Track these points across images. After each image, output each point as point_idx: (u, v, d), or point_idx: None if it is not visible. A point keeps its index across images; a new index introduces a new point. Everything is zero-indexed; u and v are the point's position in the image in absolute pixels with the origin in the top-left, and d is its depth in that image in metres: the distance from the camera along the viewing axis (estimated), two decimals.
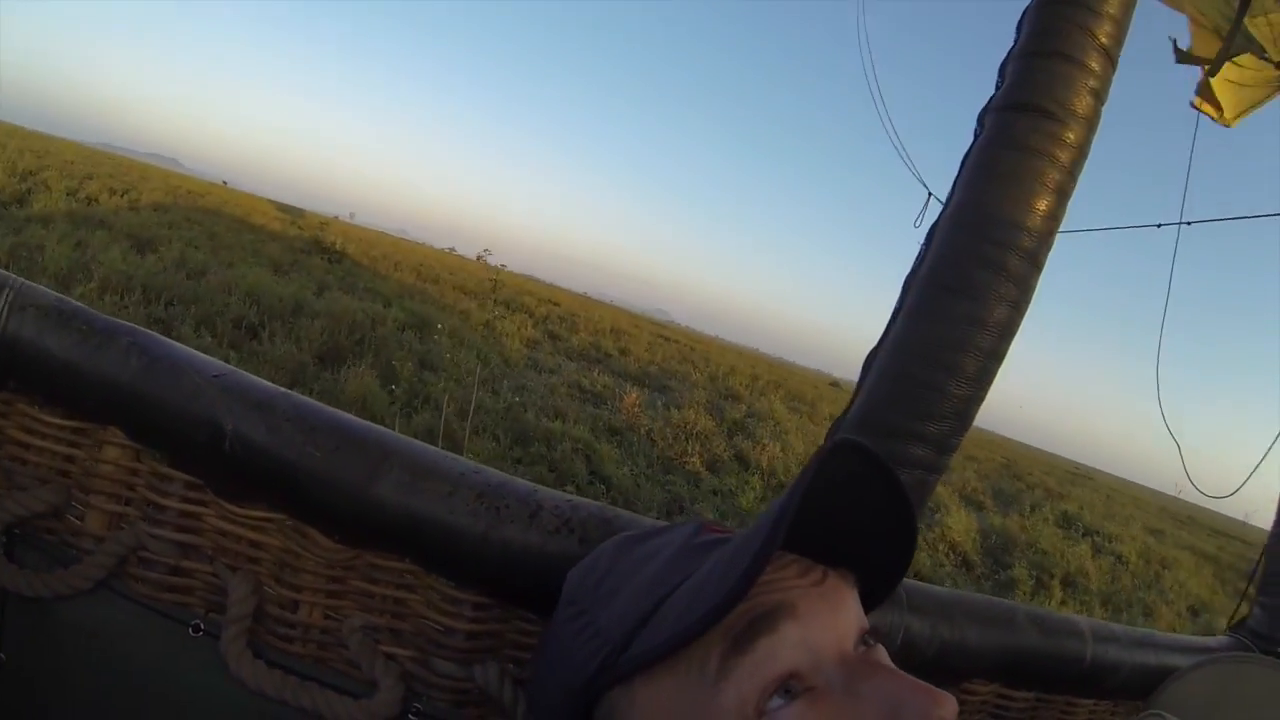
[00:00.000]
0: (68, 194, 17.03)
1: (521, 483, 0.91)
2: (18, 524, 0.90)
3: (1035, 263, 0.94)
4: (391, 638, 0.91)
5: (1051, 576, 10.68)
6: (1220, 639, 1.50)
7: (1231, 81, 2.80)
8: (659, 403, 13.97)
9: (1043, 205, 0.93)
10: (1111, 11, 0.95)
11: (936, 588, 1.08)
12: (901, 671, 0.60)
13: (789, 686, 0.57)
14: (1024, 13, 1.00)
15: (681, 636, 0.56)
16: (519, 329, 17.49)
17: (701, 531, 0.71)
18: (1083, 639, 1.20)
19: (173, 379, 0.87)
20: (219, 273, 12.23)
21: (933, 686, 0.56)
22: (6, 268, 7.21)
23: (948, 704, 0.55)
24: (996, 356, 0.93)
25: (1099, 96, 0.96)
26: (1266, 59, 2.65)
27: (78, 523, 0.92)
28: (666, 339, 31.41)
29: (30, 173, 18.73)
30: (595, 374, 14.90)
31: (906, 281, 0.98)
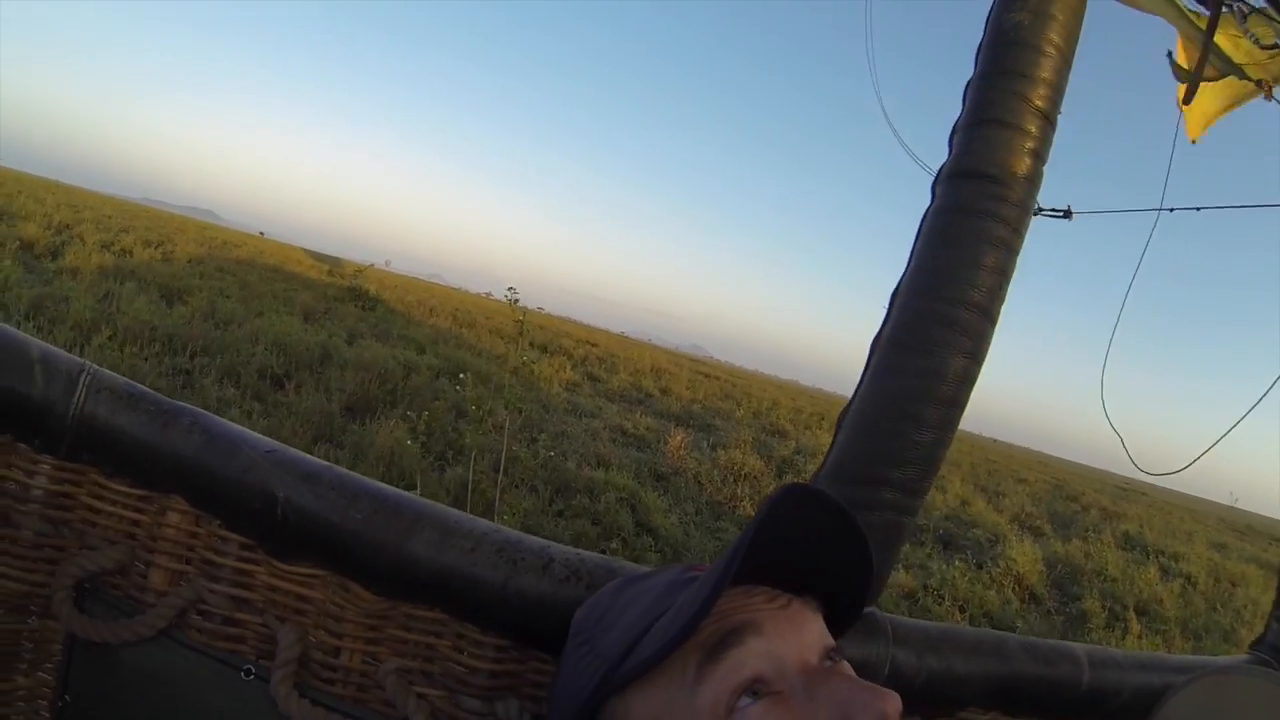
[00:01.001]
0: (102, 247, 16.71)
1: (535, 539, 1.00)
2: (87, 579, 1.00)
3: (988, 315, 1.02)
4: (423, 679, 0.99)
5: (1125, 607, 9.93)
6: (1239, 657, 1.52)
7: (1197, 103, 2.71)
8: (704, 443, 13.33)
9: (990, 262, 1.01)
10: (1046, 76, 1.04)
11: (923, 622, 1.13)
12: (856, 677, 0.69)
13: (755, 689, 0.66)
14: (967, 85, 1.09)
15: (660, 652, 0.65)
16: (557, 372, 16.87)
17: (687, 571, 0.80)
18: (1078, 664, 1.23)
19: (230, 454, 0.97)
20: (247, 322, 11.78)
21: (879, 687, 0.65)
22: (29, 318, 6.64)
23: (892, 701, 0.63)
24: (957, 404, 1.01)
25: (1039, 156, 1.05)
26: (1247, 79, 2.58)
27: (142, 579, 1.01)
28: (706, 375, 30.81)
29: (66, 226, 18.55)
30: (637, 415, 14.33)
31: (873, 342, 1.07)
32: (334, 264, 31.05)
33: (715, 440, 13.99)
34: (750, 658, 0.67)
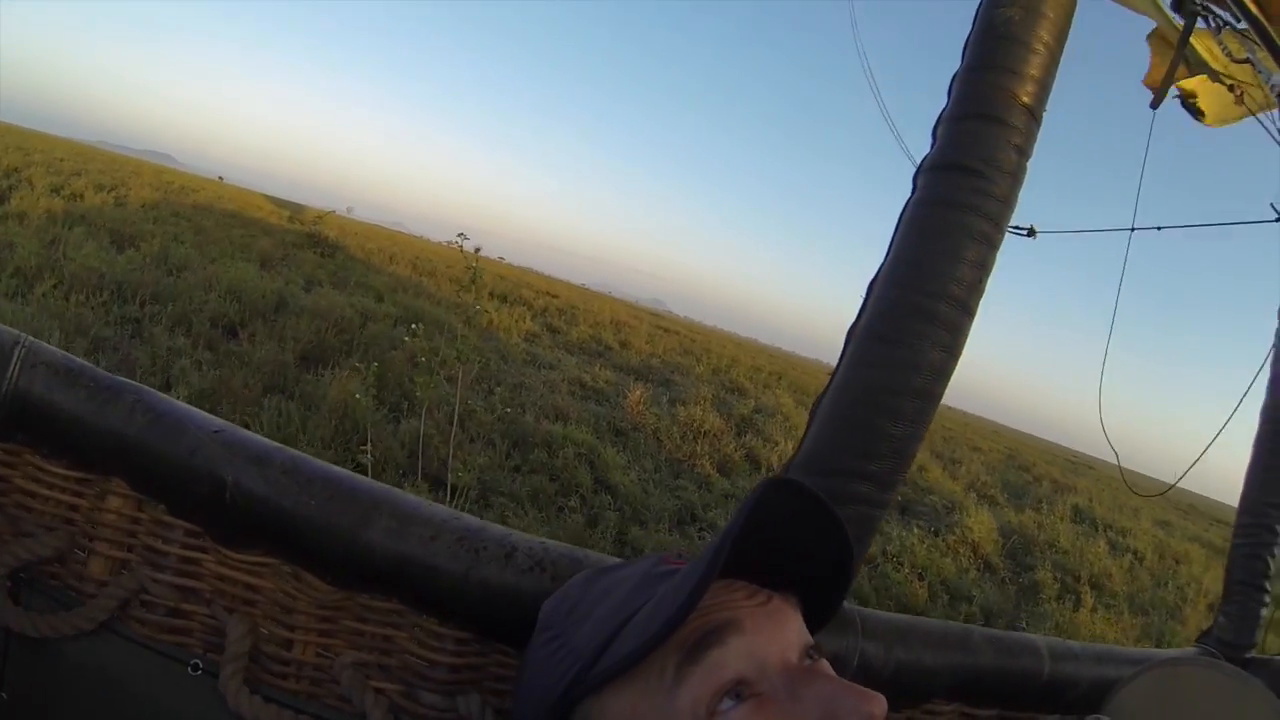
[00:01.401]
0: (51, 191, 15.96)
1: (497, 527, 0.97)
2: (23, 568, 0.94)
3: (966, 309, 1.01)
4: (380, 673, 0.96)
5: (1076, 579, 10.18)
6: (1186, 650, 1.56)
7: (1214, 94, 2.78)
8: (664, 399, 13.26)
9: (970, 255, 1.00)
10: (1033, 73, 1.03)
11: (892, 614, 1.13)
12: (838, 677, 0.68)
13: (738, 691, 0.65)
14: (953, 78, 1.08)
15: (639, 650, 0.63)
16: (517, 322, 16.74)
17: (661, 563, 0.77)
18: (1039, 656, 1.24)
19: (176, 434, 0.92)
20: (201, 269, 11.43)
21: (863, 688, 0.64)
22: None
23: (878, 703, 0.62)
24: (932, 397, 1.00)
25: (1023, 151, 1.04)
26: (1220, 82, 2.69)
27: (81, 568, 0.96)
28: (666, 330, 30.64)
29: (14, 170, 17.68)
30: (597, 369, 14.23)
31: (849, 332, 1.06)
32: (295, 210, 30.34)
33: (674, 395, 13.96)
34: (732, 658, 0.65)
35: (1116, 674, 1.28)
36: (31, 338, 0.96)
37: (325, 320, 10.17)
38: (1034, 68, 1.03)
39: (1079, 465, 39.30)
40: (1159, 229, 3.18)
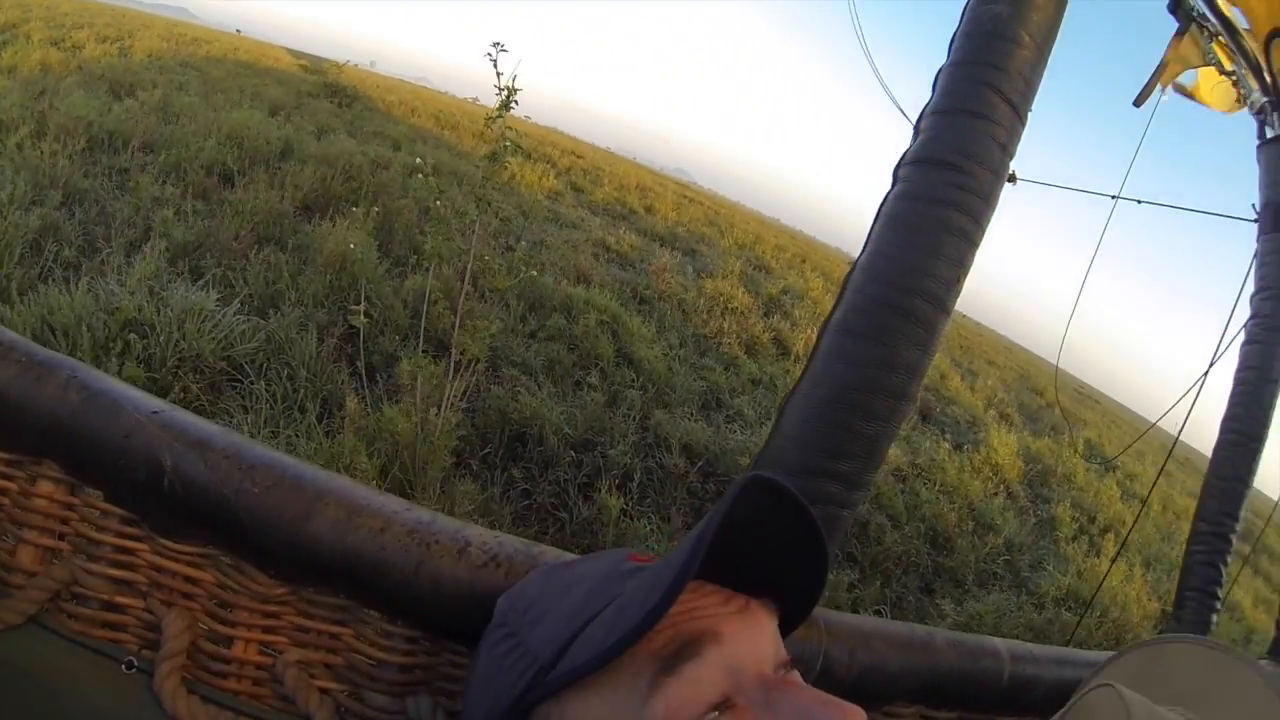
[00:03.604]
0: (50, 44, 14.10)
1: (450, 520, 0.92)
2: None
3: (943, 307, 1.00)
4: (326, 672, 0.91)
5: (1091, 520, 9.64)
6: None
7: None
8: (689, 269, 12.33)
9: (950, 252, 0.99)
10: (1019, 70, 1.03)
11: (855, 616, 1.11)
12: (813, 688, 0.65)
13: (718, 706, 0.61)
14: (938, 72, 1.08)
15: (605, 656, 0.59)
16: (540, 179, 15.58)
17: (626, 559, 0.74)
18: (1000, 659, 1.22)
19: (111, 415, 0.86)
20: (202, 116, 10.24)
21: (842, 700, 0.62)
22: None
23: (856, 715, 0.60)
24: (906, 396, 0.99)
25: (1006, 149, 1.03)
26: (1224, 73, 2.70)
27: (8, 558, 0.89)
28: (690, 199, 29.36)
29: (10, 25, 16.18)
30: (621, 232, 13.22)
31: (822, 326, 1.05)
32: (315, 63, 28.82)
33: (700, 266, 13.03)
34: (709, 671, 0.62)
35: (1075, 676, 1.28)
36: None
37: (332, 167, 9.17)
38: (1020, 64, 1.03)
39: (1086, 397, 38.40)
40: (1139, 202, 3.37)
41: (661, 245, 13.67)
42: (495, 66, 4.44)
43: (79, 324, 4.29)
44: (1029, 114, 1.05)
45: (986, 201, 1.01)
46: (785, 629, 0.74)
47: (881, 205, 1.05)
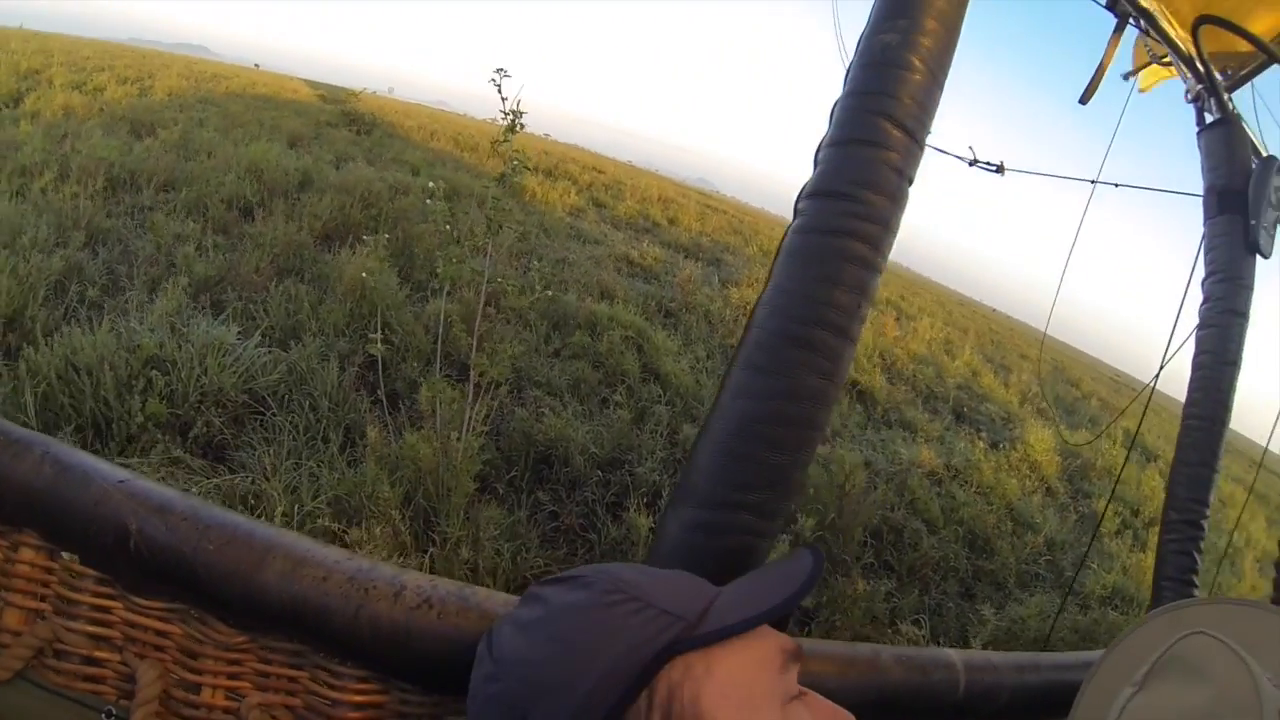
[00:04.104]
0: (72, 88, 14.13)
1: (388, 567, 0.96)
2: None
3: (845, 334, 1.02)
4: (287, 713, 0.96)
5: (1135, 513, 9.22)
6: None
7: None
8: (715, 279, 12.18)
9: (850, 281, 1.01)
10: (912, 95, 1.04)
11: (794, 639, 1.01)
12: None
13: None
14: (834, 105, 1.09)
15: (757, 619, 0.73)
16: (561, 196, 15.54)
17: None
18: (954, 670, 1.23)
19: (82, 486, 0.92)
20: (221, 151, 10.23)
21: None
22: None
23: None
24: (813, 425, 1.01)
25: (903, 175, 1.04)
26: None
27: None
28: (713, 209, 29.19)
29: (34, 71, 16.18)
30: (644, 245, 13.06)
31: (730, 359, 1.07)
32: (332, 92, 28.94)
33: (725, 276, 12.86)
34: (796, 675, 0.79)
35: (1039, 681, 1.35)
36: None
37: (351, 195, 9.14)
38: (913, 91, 1.03)
39: (1121, 385, 37.70)
40: (1116, 185, 3.35)
41: (685, 256, 13.57)
42: (500, 92, 4.41)
43: (101, 363, 4.25)
44: (927, 136, 1.07)
45: (886, 227, 1.03)
46: None
47: (783, 240, 1.07)
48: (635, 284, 10.16)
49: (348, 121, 18.16)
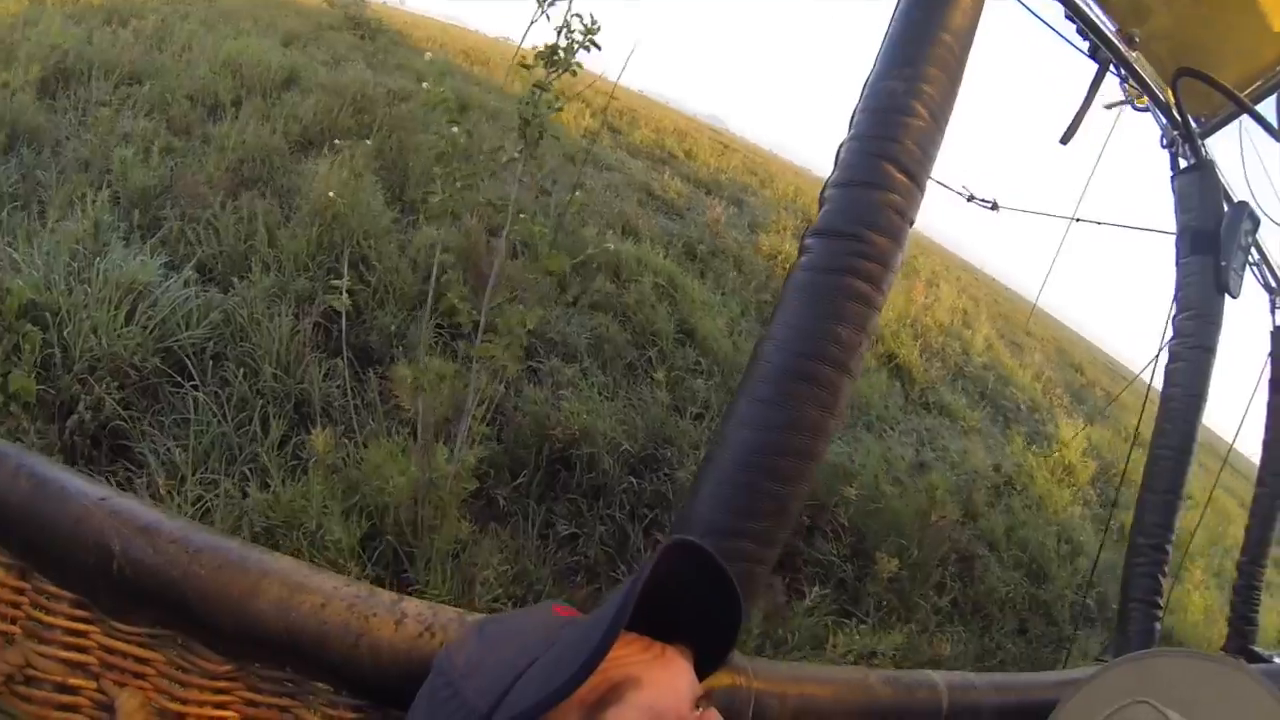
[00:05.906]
0: None
1: (387, 593, 0.93)
2: None
3: (846, 369, 1.06)
4: None
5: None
6: (1089, 669, 1.52)
7: None
8: (741, 221, 10.84)
9: (851, 318, 1.05)
10: (913, 142, 1.07)
11: (783, 663, 1.19)
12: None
13: None
14: (839, 147, 1.15)
15: (540, 708, 0.64)
16: (575, 119, 14.11)
17: (551, 612, 0.80)
18: (936, 690, 1.24)
19: (60, 502, 0.86)
20: (202, 45, 8.58)
21: None
22: None
23: None
24: (812, 456, 1.04)
25: (904, 216, 1.09)
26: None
27: None
28: (726, 146, 27.64)
29: None
30: (665, 177, 11.65)
31: (736, 391, 1.11)
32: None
33: (750, 219, 11.50)
34: (631, 713, 0.67)
35: (1017, 701, 1.33)
36: None
37: (341, 97, 7.66)
38: (916, 136, 1.08)
39: (1118, 377, 36.48)
40: (1099, 223, 3.98)
41: (708, 194, 12.20)
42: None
43: None
44: (928, 180, 1.12)
45: (886, 266, 1.08)
46: (704, 672, 0.80)
47: (789, 276, 1.14)
48: (658, 219, 8.83)
49: (352, 25, 16.52)
